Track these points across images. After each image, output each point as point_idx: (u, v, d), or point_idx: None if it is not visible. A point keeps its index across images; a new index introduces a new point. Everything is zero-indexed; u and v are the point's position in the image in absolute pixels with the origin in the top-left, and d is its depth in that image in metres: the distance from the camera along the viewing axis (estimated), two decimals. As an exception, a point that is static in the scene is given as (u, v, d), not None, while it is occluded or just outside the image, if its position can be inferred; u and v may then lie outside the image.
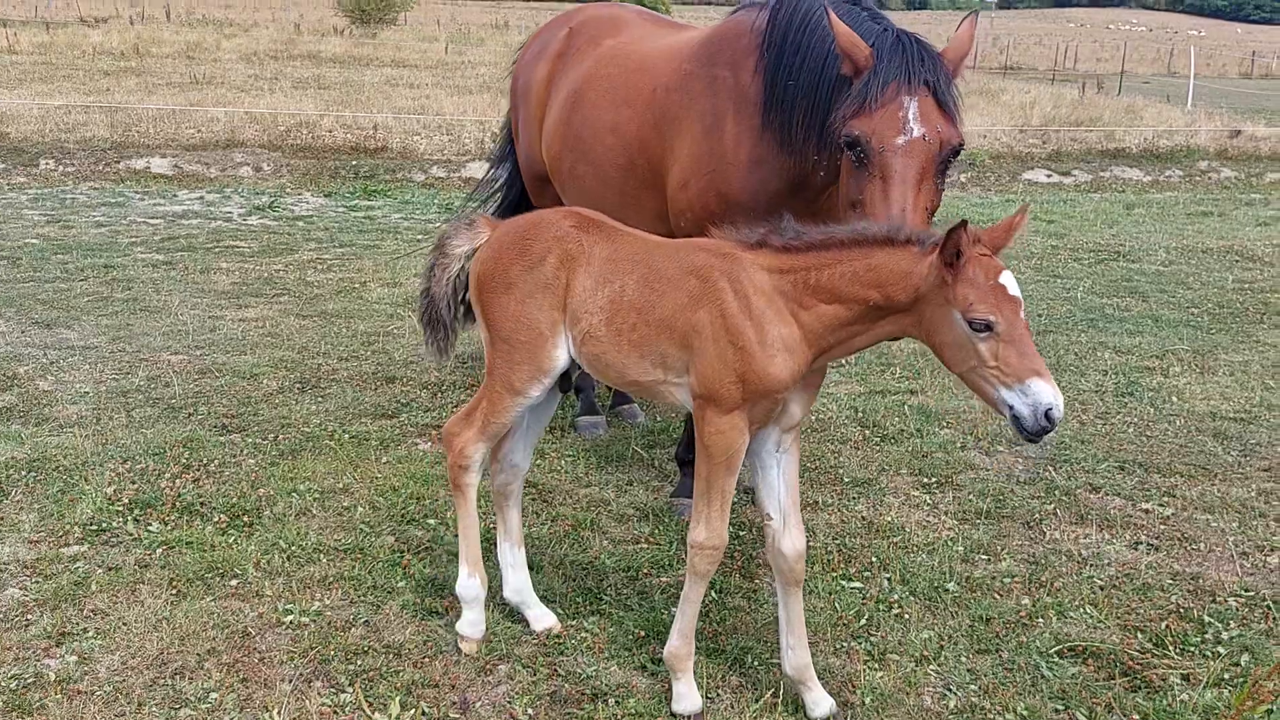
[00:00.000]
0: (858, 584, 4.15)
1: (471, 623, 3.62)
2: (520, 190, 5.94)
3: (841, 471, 5.23)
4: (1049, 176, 16.92)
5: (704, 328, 3.00)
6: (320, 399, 5.96)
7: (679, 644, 3.29)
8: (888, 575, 4.21)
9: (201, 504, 4.59)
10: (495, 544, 3.84)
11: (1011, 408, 2.72)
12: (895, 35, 3.46)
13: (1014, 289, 2.76)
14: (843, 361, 7.07)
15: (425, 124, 17.47)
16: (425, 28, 49.84)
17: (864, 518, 4.75)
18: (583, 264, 3.22)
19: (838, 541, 4.49)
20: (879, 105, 3.35)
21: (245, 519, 4.48)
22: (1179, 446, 5.63)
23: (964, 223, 2.71)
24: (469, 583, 3.61)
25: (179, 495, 4.64)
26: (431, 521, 4.53)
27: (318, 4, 58.08)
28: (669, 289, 3.09)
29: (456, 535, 4.38)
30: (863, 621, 3.89)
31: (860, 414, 6.01)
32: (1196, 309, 8.61)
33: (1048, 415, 2.68)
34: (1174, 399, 6.36)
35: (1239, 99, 31.61)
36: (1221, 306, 8.69)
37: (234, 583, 3.99)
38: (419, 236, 10.96)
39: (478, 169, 15.08)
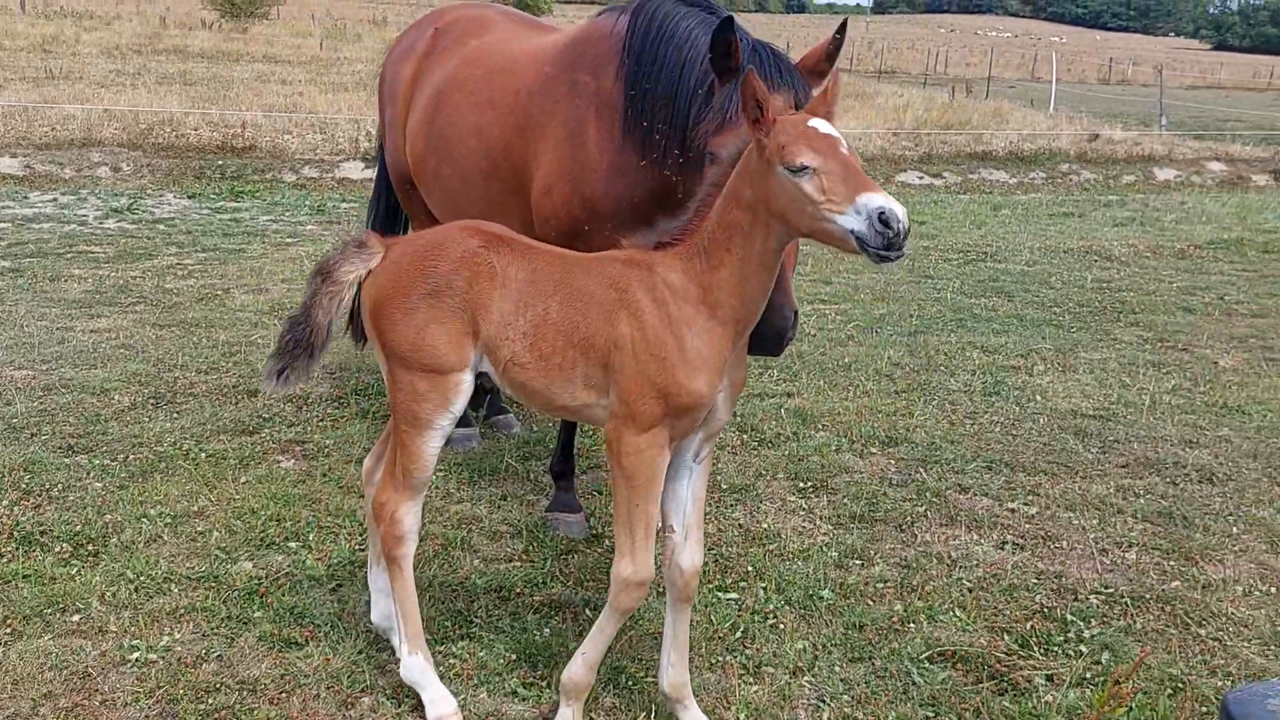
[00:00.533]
0: (733, 595, 4.12)
1: (434, 701, 3.24)
2: (389, 196, 5.75)
3: (719, 478, 5.21)
4: (921, 178, 17.37)
5: (625, 342, 2.92)
6: (176, 415, 5.66)
7: (581, 673, 3.17)
8: (763, 585, 4.19)
9: (42, 533, 4.29)
10: (366, 566, 3.67)
11: (853, 231, 2.63)
12: (751, 46, 3.41)
13: (826, 128, 2.73)
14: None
15: (297, 122, 16.95)
16: (299, 22, 48.53)
17: (741, 525, 4.73)
18: (497, 286, 3.04)
19: (714, 551, 4.46)
20: (740, 120, 3.30)
21: (90, 548, 4.20)
22: (1043, 445, 5.79)
23: (750, 70, 2.73)
24: (412, 662, 3.27)
25: (17, 524, 4.33)
26: (293, 544, 4.33)
27: (185, -4, 55.98)
28: (590, 306, 2.98)
29: (320, 559, 4.22)
30: (738, 634, 3.85)
31: (738, 418, 6.01)
32: (1058, 308, 8.91)
33: (882, 219, 2.57)
34: (1038, 397, 6.54)
35: (1098, 103, 33.08)
36: (1082, 305, 9.01)
37: (76, 618, 3.73)
38: (288, 239, 10.60)
39: (352, 169, 14.70)
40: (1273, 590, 4.25)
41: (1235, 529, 4.80)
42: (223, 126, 15.86)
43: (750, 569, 4.32)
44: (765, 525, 4.72)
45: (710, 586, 4.16)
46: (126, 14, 46.59)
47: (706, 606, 4.01)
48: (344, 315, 3.20)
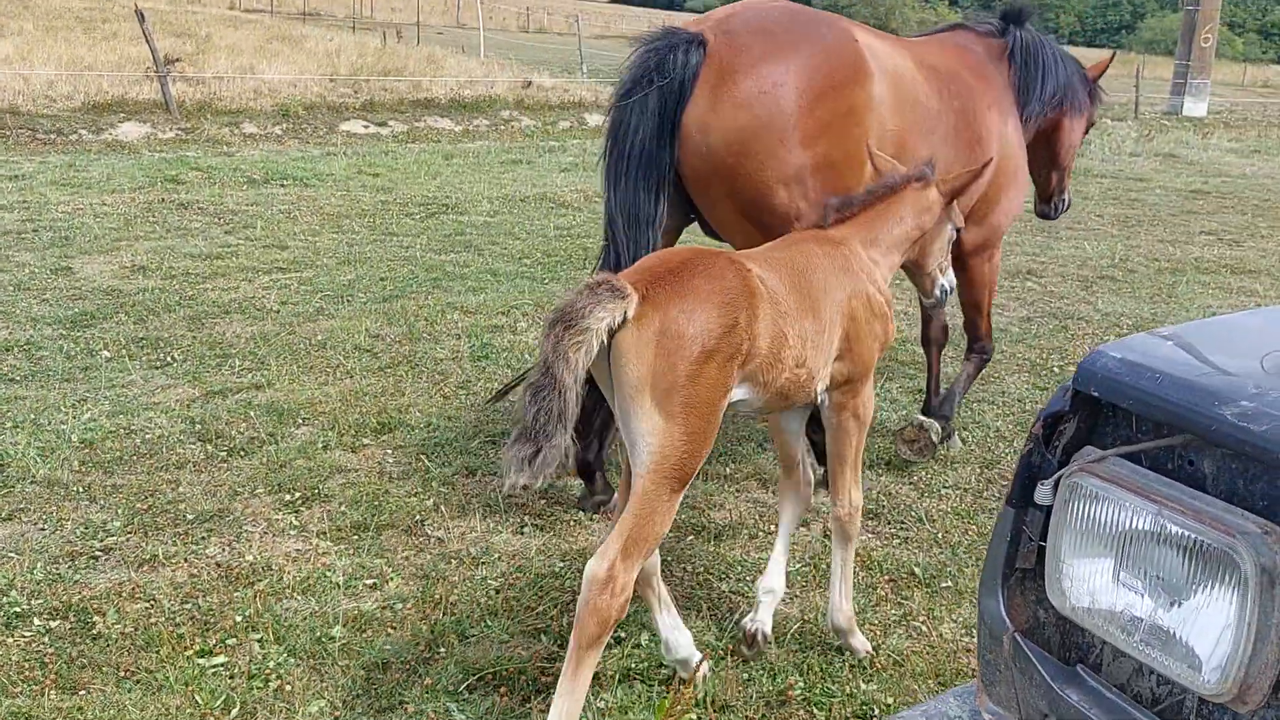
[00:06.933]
0: (221, 659, 3.31)
1: None
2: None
3: (183, 506, 4.27)
4: (366, 127, 16.69)
5: (858, 313, 3.20)
6: None
7: (848, 611, 3.44)
8: (258, 636, 3.43)
9: None
10: None
11: (943, 285, 3.69)
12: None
13: None
14: (171, 359, 5.96)
15: None
16: None
17: (219, 563, 3.88)
18: (761, 309, 2.84)
19: (188, 605, 3.58)
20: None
21: None
22: (539, 408, 5.54)
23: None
24: None
25: None
26: None
27: None
28: (827, 293, 3.12)
29: None
30: (235, 711, 3.07)
31: (198, 425, 5.03)
32: (528, 259, 8.83)
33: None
34: (527, 357, 6.32)
35: (524, 51, 34.45)
36: (549, 255, 9.03)
37: None
38: None
39: None
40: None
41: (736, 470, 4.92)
42: None
43: (238, 619, 3.51)
44: (250, 559, 3.91)
45: (187, 654, 3.31)
46: None
47: (187, 683, 3.16)
48: (584, 371, 2.55)
